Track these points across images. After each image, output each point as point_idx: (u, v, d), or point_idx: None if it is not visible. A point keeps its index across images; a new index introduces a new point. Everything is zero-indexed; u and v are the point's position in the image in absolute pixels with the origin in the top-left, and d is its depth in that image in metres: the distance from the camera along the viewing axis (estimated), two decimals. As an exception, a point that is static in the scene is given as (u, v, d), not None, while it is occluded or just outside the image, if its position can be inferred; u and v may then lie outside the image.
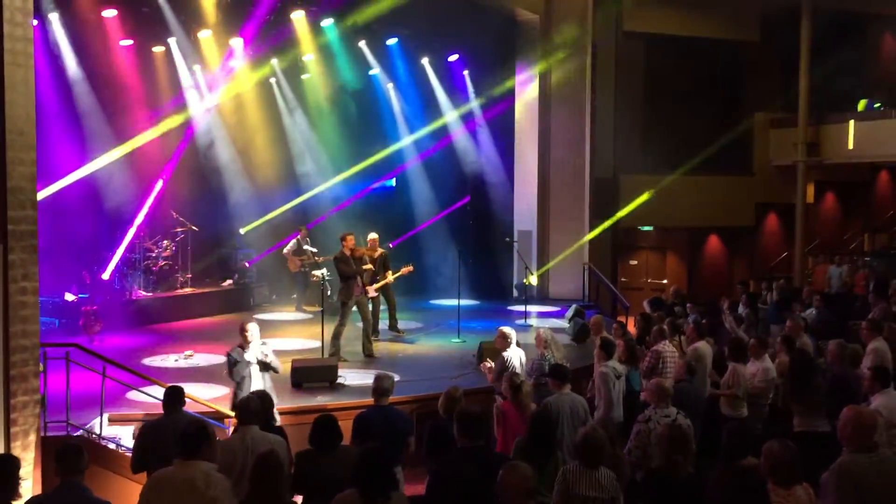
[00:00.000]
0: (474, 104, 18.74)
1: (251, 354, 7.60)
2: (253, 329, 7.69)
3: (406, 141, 18.68)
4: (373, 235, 13.26)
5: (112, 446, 7.82)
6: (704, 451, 6.37)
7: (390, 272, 13.00)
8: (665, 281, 19.78)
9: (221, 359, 11.11)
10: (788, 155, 19.66)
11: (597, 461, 5.09)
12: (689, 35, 18.71)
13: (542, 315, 15.70)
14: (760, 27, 19.68)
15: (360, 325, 11.93)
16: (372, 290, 12.19)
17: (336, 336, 11.15)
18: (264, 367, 7.66)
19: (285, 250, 16.07)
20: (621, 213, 18.45)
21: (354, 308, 11.60)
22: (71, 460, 4.64)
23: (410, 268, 13.38)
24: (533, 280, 16.90)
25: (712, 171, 19.05)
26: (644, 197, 18.23)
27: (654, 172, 18.63)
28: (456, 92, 18.72)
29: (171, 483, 4.59)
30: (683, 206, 18.98)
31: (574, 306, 14.81)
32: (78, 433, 7.58)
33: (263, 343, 7.82)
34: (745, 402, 8.05)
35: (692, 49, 18.72)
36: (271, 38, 15.54)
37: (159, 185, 15.35)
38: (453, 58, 18.29)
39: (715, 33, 19.10)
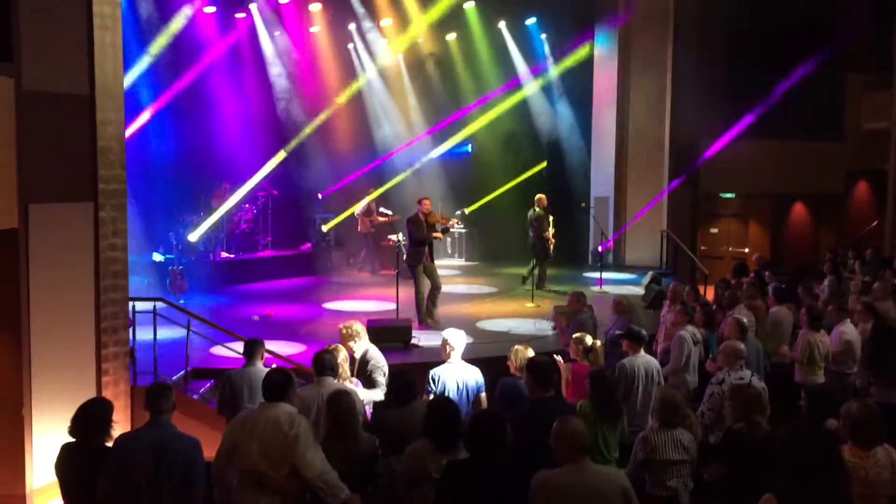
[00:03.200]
0: (552, 68, 18.52)
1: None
2: (360, 329, 6.94)
3: (483, 106, 18.61)
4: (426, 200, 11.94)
5: (195, 397, 8.15)
6: (775, 416, 6.25)
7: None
8: (747, 250, 19.26)
9: (299, 318, 11.54)
10: (882, 119, 18.77)
11: (675, 421, 5.09)
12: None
13: (617, 282, 15.53)
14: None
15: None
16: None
17: (419, 303, 11.20)
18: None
19: (357, 212, 16.29)
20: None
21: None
22: (160, 398, 4.87)
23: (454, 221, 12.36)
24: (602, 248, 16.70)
25: (800, 135, 18.35)
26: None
27: (737, 137, 18.07)
28: (533, 55, 18.52)
29: (257, 422, 4.79)
30: (768, 172, 18.38)
31: (650, 273, 14.62)
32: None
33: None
34: (819, 369, 7.82)
35: (781, 6, 17.97)
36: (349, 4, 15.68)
37: (281, 155, 15.74)
38: (531, 20, 18.07)
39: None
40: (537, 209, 14.20)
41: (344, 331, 6.84)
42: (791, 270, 14.90)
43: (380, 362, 6.71)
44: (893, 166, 18.54)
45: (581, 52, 17.84)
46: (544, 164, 18.28)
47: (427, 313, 11.26)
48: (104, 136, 6.89)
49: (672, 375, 7.66)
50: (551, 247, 14.15)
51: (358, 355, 6.77)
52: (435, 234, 11.32)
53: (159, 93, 14.48)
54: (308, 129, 16.61)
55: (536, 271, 14.10)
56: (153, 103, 14.33)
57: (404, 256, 11.35)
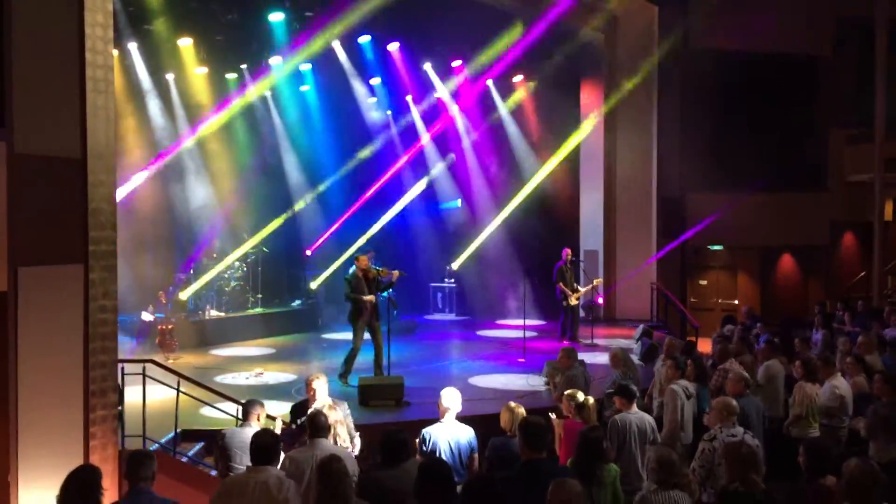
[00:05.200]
0: (540, 124, 18.79)
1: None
2: (319, 385, 6.92)
3: (470, 160, 18.84)
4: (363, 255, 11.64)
5: (185, 460, 8.02)
6: (771, 472, 6.20)
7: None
8: (736, 301, 19.34)
9: (290, 377, 11.44)
10: (865, 171, 19.06)
11: (671, 481, 5.02)
12: (758, 51, 18.37)
13: (608, 336, 15.52)
14: (833, 41, 19.21)
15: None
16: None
17: (349, 359, 10.96)
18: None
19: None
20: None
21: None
22: (139, 466, 4.79)
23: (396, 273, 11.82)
24: (600, 300, 16.79)
25: (785, 188, 18.59)
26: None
27: (723, 191, 18.28)
28: (520, 111, 18.79)
29: (245, 486, 4.72)
30: (755, 224, 18.55)
31: (642, 326, 14.63)
32: (154, 447, 7.79)
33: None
34: (814, 423, 7.79)
35: (762, 65, 18.35)
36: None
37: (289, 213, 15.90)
38: (518, 79, 18.36)
39: (786, 48, 18.69)
40: (561, 262, 14.43)
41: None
42: (780, 322, 14.93)
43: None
44: (878, 218, 18.78)
45: (567, 107, 18.09)
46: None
47: (377, 368, 10.98)
48: (95, 197, 6.88)
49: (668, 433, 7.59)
50: (572, 299, 14.22)
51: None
52: (368, 298, 10.88)
53: (152, 153, 14.61)
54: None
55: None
56: (146, 164, 14.44)
57: (395, 311, 11.27)
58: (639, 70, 17.61)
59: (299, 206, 17.10)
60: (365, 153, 18.18)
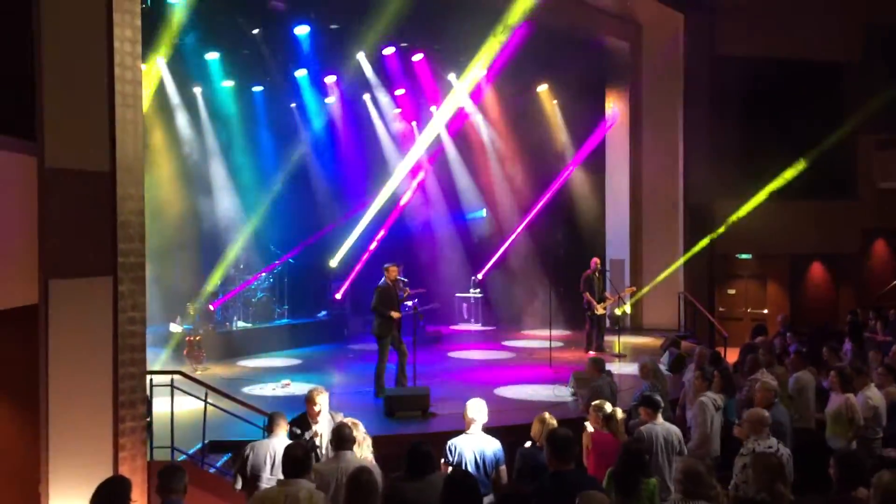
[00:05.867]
0: (564, 133, 18.75)
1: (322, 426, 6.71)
2: (322, 400, 6.82)
3: (494, 169, 18.85)
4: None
5: (213, 471, 8.06)
6: (801, 484, 6.10)
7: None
8: (766, 311, 19.10)
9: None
10: (895, 178, 18.78)
11: (698, 493, 4.96)
12: (786, 57, 18.21)
13: (635, 345, 15.41)
14: (862, 46, 18.98)
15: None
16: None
17: (378, 375, 10.87)
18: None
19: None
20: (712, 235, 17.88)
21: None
22: (171, 479, 4.83)
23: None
24: (627, 309, 16.69)
25: (814, 196, 18.37)
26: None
27: (751, 198, 18.10)
28: (544, 120, 18.77)
29: (276, 500, 4.73)
30: (784, 232, 18.34)
31: (670, 336, 14.53)
32: (182, 458, 7.84)
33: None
34: (850, 433, 7.68)
35: (790, 71, 18.18)
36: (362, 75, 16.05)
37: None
38: (542, 88, 18.34)
39: (814, 55, 18.52)
40: (588, 271, 14.41)
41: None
42: (811, 331, 14.73)
43: None
44: (910, 224, 18.48)
45: (593, 116, 18.02)
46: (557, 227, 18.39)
47: (398, 383, 10.94)
48: (124, 210, 6.96)
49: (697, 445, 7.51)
50: (599, 308, 14.18)
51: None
52: (394, 314, 10.81)
53: (179, 165, 14.80)
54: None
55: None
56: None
57: (373, 326, 10.94)
58: (664, 78, 17.52)
59: (327, 225, 17.16)
60: (388, 163, 18.29)
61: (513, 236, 18.63)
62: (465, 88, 17.53)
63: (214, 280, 14.72)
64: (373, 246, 17.28)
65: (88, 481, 5.13)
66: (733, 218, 17.82)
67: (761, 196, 17.68)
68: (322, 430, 6.67)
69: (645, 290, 17.34)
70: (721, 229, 17.92)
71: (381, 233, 17.63)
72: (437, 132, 18.81)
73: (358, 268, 16.49)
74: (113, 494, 4.91)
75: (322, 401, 6.79)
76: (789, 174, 17.60)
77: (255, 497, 4.96)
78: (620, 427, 6.87)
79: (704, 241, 17.82)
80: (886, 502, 4.40)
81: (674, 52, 17.70)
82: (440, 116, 18.43)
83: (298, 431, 6.66)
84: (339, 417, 6.77)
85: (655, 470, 6.45)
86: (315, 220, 17.03)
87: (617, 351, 14.30)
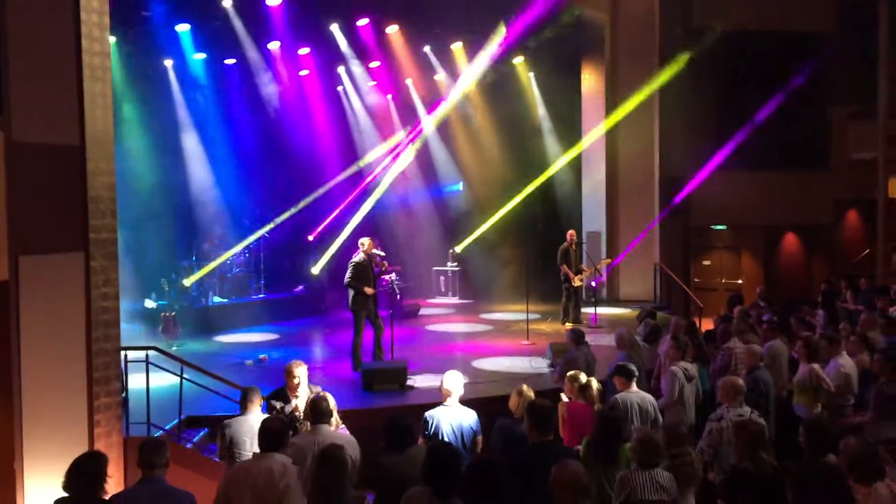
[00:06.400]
0: (540, 106, 18.72)
1: (301, 400, 6.64)
2: (301, 373, 6.80)
3: (474, 144, 18.79)
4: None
5: (189, 446, 8.05)
6: (780, 451, 6.21)
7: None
8: (740, 281, 19.32)
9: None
10: (868, 149, 18.97)
11: (653, 461, 5.01)
12: (761, 29, 18.25)
13: (611, 317, 15.52)
14: (836, 18, 19.06)
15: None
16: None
17: (355, 349, 10.82)
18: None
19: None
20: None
21: None
22: (153, 454, 4.80)
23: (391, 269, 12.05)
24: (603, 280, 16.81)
25: (788, 167, 18.53)
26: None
27: (726, 169, 18.21)
28: (520, 94, 18.70)
29: (249, 472, 4.75)
30: (758, 203, 18.52)
31: (644, 307, 14.65)
32: (158, 434, 7.82)
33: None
34: (819, 402, 7.80)
35: (765, 43, 18.23)
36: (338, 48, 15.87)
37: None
38: (518, 60, 18.26)
39: (789, 26, 18.57)
40: (565, 244, 14.45)
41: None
42: (784, 302, 14.90)
43: None
44: (882, 195, 18.71)
45: (569, 88, 17.96)
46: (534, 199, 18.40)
47: (375, 358, 10.89)
48: (94, 185, 6.88)
49: (671, 411, 7.60)
50: (576, 280, 14.28)
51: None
52: (368, 290, 10.66)
53: (151, 139, 14.56)
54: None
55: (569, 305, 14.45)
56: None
57: (349, 301, 10.79)
58: (640, 51, 17.50)
59: (305, 200, 17.03)
60: (364, 137, 18.17)
61: (491, 210, 18.58)
62: (440, 61, 17.43)
63: (202, 272, 14.58)
64: (351, 222, 17.19)
65: (63, 457, 5.10)
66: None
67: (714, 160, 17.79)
68: (301, 403, 6.63)
69: (605, 261, 17.45)
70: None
71: (364, 206, 17.55)
72: (413, 106, 18.73)
73: (338, 243, 16.40)
74: (88, 470, 4.88)
75: (301, 373, 6.78)
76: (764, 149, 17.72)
77: (232, 469, 4.96)
78: (596, 397, 6.93)
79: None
80: (853, 465, 4.49)
81: (649, 25, 17.66)
82: (415, 90, 18.34)
83: (279, 405, 6.63)
84: (318, 391, 6.76)
85: (631, 438, 6.51)
86: (290, 195, 16.90)
87: (594, 323, 14.39)
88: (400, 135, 18.64)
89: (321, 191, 17.24)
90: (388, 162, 18.46)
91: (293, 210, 16.51)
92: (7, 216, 6.30)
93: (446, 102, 18.29)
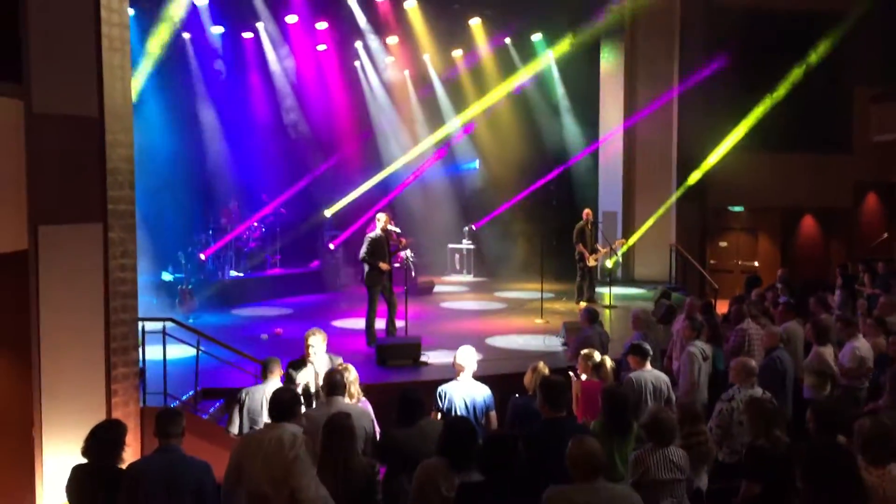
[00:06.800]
0: (557, 83, 18.58)
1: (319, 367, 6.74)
2: (315, 341, 6.89)
3: (489, 121, 18.70)
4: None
5: (206, 417, 8.13)
6: (796, 432, 6.20)
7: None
8: (756, 263, 19.18)
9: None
10: (891, 131, 18.72)
11: (667, 440, 5.03)
12: (782, 7, 17.99)
13: (626, 297, 15.50)
14: (859, -3, 18.76)
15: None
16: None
17: (369, 324, 10.87)
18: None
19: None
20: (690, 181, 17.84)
21: None
22: (169, 423, 4.86)
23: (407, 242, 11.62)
24: (619, 260, 16.77)
25: (808, 148, 18.32)
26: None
27: (745, 150, 18.04)
28: (539, 71, 18.58)
29: (261, 442, 4.78)
30: (776, 185, 18.33)
31: (660, 287, 14.60)
32: (175, 404, 7.90)
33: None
34: (827, 384, 7.76)
35: (786, 22, 17.98)
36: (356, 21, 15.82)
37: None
38: (537, 36, 18.12)
39: (811, 5, 18.30)
40: (581, 223, 14.41)
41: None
42: (801, 284, 14.79)
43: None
44: (903, 178, 18.50)
45: (588, 67, 17.81)
46: (551, 176, 18.32)
47: (388, 334, 10.94)
48: (113, 157, 6.92)
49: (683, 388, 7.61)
50: (591, 260, 14.22)
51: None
52: (383, 265, 10.67)
53: (169, 112, 14.59)
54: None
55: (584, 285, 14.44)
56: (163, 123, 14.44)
57: (412, 273, 11.10)
58: (660, 29, 17.32)
59: (317, 171, 17.05)
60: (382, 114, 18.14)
61: (507, 188, 18.51)
62: (459, 38, 17.32)
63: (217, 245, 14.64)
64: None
65: (81, 426, 5.18)
66: (707, 165, 17.77)
67: (733, 141, 17.61)
68: (320, 370, 6.64)
69: (631, 240, 17.33)
70: (695, 178, 17.88)
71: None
72: (430, 82, 18.66)
73: (361, 220, 16.35)
74: (107, 437, 4.97)
75: (315, 342, 6.83)
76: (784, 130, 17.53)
77: (243, 438, 5.03)
78: (610, 375, 6.94)
79: (680, 191, 17.84)
80: (867, 446, 4.48)
81: (669, 3, 17.46)
82: (432, 65, 18.26)
83: (294, 374, 6.64)
84: (339, 361, 6.83)
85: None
86: (305, 169, 16.93)
87: (608, 302, 14.37)
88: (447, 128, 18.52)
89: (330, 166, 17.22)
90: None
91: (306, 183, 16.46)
92: (27, 186, 6.35)
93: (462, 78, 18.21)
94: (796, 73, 17.96)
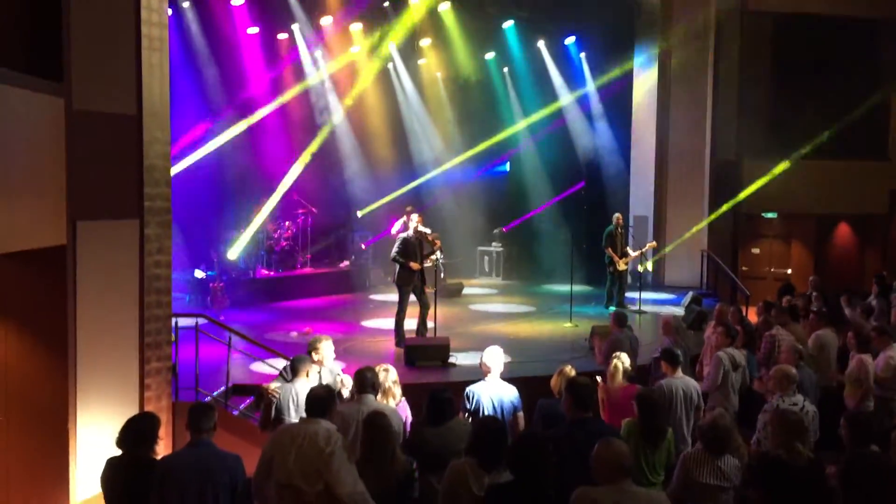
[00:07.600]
0: (591, 87, 18.52)
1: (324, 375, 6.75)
2: (325, 348, 6.83)
3: (521, 125, 18.66)
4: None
5: (236, 413, 8.22)
6: (825, 442, 6.12)
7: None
8: (789, 270, 18.96)
9: (337, 336, 11.57)
10: (928, 138, 18.43)
11: (722, 448, 5.01)
12: (819, 12, 17.78)
13: (656, 302, 15.39)
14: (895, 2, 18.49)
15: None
16: None
17: (398, 324, 10.93)
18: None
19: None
20: (742, 195, 17.68)
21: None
22: (202, 418, 4.92)
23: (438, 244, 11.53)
24: (648, 266, 16.65)
25: (843, 155, 18.07)
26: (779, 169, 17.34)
27: (779, 156, 17.85)
28: (572, 75, 18.53)
29: (295, 436, 4.82)
30: (811, 192, 18.10)
31: (691, 293, 14.48)
32: (206, 400, 7.99)
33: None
34: (871, 395, 7.66)
35: (822, 27, 17.77)
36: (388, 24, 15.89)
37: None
38: (570, 40, 18.08)
39: (846, 10, 18.06)
40: (611, 226, 14.35)
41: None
42: (835, 293, 14.59)
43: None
44: (941, 186, 18.18)
45: (621, 70, 17.71)
46: (582, 183, 18.24)
47: (418, 334, 10.99)
48: (150, 154, 7.02)
49: (714, 396, 7.53)
50: (620, 264, 14.14)
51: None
52: (414, 265, 10.76)
53: (203, 112, 14.75)
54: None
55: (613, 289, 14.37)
56: (198, 123, 14.60)
57: (441, 274, 11.11)
58: (694, 33, 17.20)
59: (351, 172, 17.14)
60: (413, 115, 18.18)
61: (537, 192, 18.47)
62: (491, 40, 17.32)
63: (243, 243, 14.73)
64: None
65: (115, 419, 5.26)
66: (759, 183, 17.62)
67: (786, 163, 17.47)
68: (323, 380, 6.60)
69: (668, 248, 17.21)
70: (743, 194, 17.72)
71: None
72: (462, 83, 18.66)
73: (394, 222, 16.41)
74: (142, 430, 5.04)
75: (324, 348, 6.75)
76: (819, 137, 17.30)
77: (276, 432, 5.06)
78: (626, 374, 6.91)
79: (727, 206, 17.68)
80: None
81: (705, 7, 17.34)
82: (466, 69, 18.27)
83: (287, 376, 6.62)
84: (338, 371, 6.92)
85: (675, 423, 6.51)
86: (339, 170, 17.02)
87: (638, 307, 14.29)
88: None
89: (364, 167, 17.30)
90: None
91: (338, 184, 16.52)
92: (67, 181, 6.46)
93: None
94: (832, 81, 17.73)
